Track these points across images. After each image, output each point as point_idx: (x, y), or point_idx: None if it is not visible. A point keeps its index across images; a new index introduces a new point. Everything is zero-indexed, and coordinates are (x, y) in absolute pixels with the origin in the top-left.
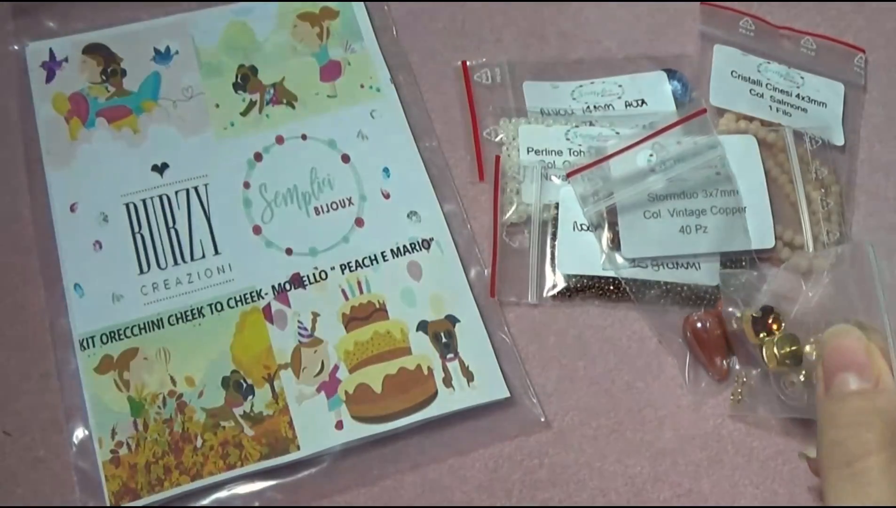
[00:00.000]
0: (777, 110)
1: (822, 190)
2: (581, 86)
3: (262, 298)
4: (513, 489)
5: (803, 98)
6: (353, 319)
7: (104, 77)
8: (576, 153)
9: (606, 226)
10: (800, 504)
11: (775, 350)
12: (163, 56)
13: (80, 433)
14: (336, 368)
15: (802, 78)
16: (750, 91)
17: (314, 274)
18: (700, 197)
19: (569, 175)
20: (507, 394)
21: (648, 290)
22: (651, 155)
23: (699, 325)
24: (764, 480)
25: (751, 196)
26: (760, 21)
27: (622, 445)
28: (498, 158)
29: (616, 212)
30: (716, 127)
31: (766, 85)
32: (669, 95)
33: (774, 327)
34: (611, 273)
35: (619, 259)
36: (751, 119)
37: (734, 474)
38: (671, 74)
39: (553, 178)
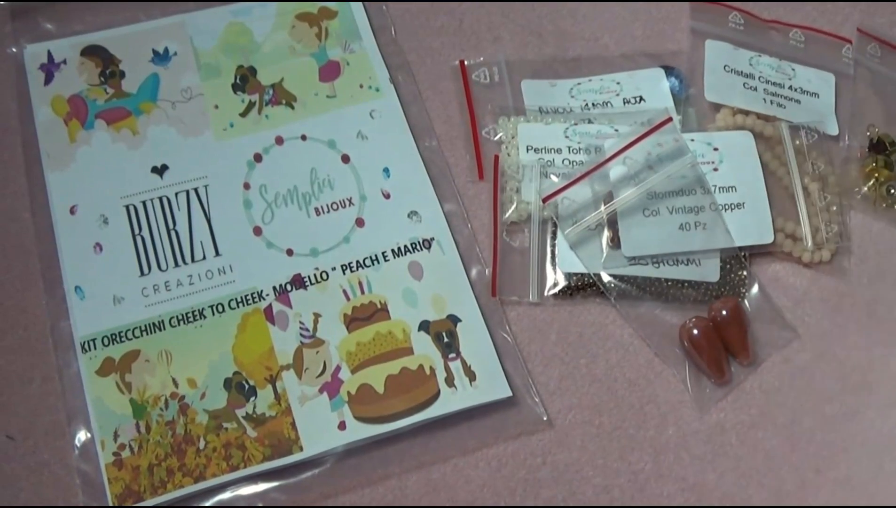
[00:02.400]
0: (771, 103)
1: (820, 182)
2: (579, 84)
3: (264, 299)
4: (517, 487)
5: (796, 89)
6: (355, 319)
7: (103, 79)
8: (575, 151)
9: (606, 225)
10: (809, 489)
11: None
12: (161, 57)
13: (82, 436)
14: (338, 368)
15: (794, 70)
16: (743, 85)
17: (315, 275)
18: (699, 194)
19: (544, 200)
20: (510, 393)
21: (648, 288)
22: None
23: (695, 332)
24: (771, 469)
25: (749, 192)
26: (749, 15)
27: (625, 441)
28: (497, 157)
29: (615, 211)
30: (712, 123)
31: (759, 78)
32: (667, 92)
33: None
34: (612, 271)
35: (620, 257)
36: (747, 113)
37: (740, 465)
38: (669, 70)
39: (552, 176)
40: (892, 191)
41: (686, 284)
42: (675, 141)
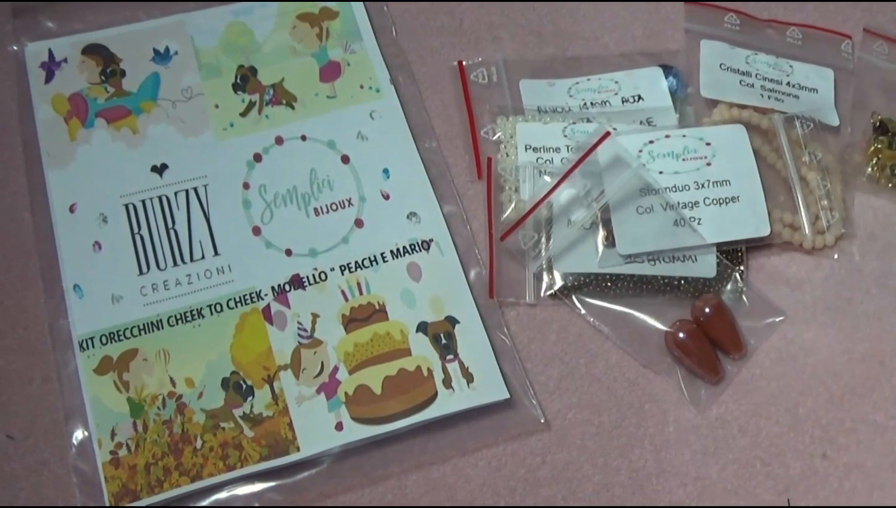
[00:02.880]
0: (769, 98)
1: (820, 172)
2: (577, 83)
3: (262, 299)
4: (517, 486)
5: (793, 85)
6: (353, 320)
7: (103, 77)
8: (573, 150)
9: (600, 224)
10: (817, 477)
11: None
12: (162, 56)
13: (79, 435)
14: (336, 369)
15: (791, 67)
16: (740, 82)
17: (314, 275)
18: (692, 190)
19: (503, 238)
20: (507, 395)
21: (645, 286)
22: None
23: (681, 336)
24: (775, 456)
25: (743, 185)
26: (745, 15)
27: (625, 439)
28: (490, 159)
29: (609, 210)
30: (709, 117)
31: (756, 75)
32: (665, 91)
33: None
34: (608, 270)
35: (615, 256)
36: (743, 107)
37: (742, 456)
38: (667, 69)
39: (546, 177)
40: None
41: (683, 281)
42: (618, 154)
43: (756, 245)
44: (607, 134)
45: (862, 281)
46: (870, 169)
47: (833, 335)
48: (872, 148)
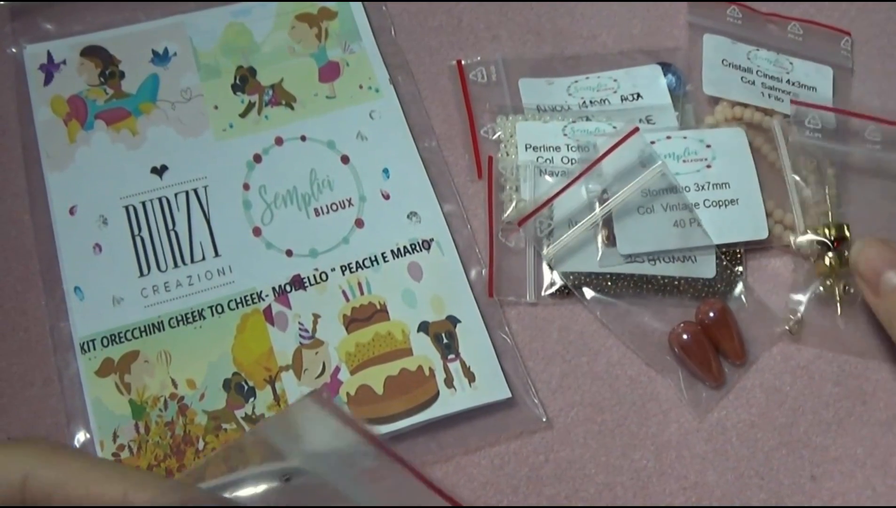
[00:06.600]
0: (769, 97)
1: (817, 175)
2: (576, 81)
3: (263, 299)
4: (519, 485)
5: (793, 83)
6: (354, 320)
7: (102, 79)
8: (573, 149)
9: (601, 223)
10: (805, 496)
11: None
12: (161, 58)
13: (81, 437)
14: (337, 369)
15: (791, 63)
16: (741, 79)
17: (314, 275)
18: (693, 191)
19: (519, 223)
20: (509, 394)
21: (645, 285)
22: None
23: (685, 337)
24: (769, 471)
25: (742, 188)
26: (747, 9)
27: (627, 439)
28: (491, 158)
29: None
30: (711, 116)
31: (757, 72)
32: (665, 89)
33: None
34: (608, 269)
35: (616, 256)
36: (745, 106)
37: (739, 465)
38: (666, 67)
39: (547, 176)
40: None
41: (682, 281)
42: (644, 151)
43: (754, 247)
44: (636, 130)
45: (852, 307)
46: (822, 288)
47: (827, 363)
48: (823, 266)
